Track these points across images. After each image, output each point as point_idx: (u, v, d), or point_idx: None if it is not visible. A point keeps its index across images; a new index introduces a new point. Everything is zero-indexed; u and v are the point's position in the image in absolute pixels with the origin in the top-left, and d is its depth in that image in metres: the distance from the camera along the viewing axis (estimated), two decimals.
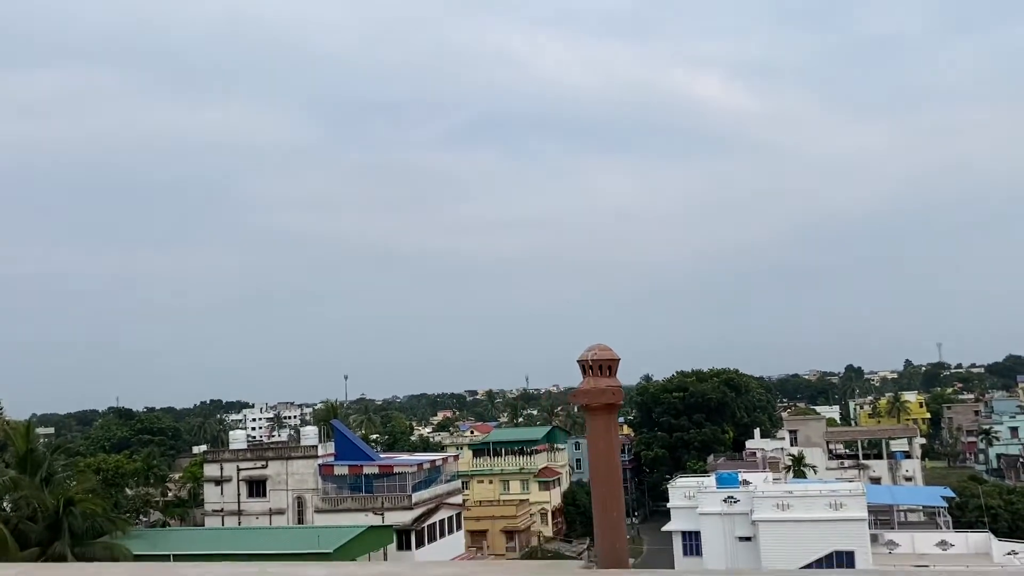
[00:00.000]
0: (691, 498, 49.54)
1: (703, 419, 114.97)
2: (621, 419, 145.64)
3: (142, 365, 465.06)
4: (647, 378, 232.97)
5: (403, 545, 58.76)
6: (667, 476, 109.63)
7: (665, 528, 52.47)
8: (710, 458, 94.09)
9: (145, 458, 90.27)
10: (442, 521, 63.78)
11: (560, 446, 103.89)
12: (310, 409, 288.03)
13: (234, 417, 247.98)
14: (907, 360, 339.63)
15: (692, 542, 49.32)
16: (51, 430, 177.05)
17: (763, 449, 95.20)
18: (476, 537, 76.13)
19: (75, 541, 49.80)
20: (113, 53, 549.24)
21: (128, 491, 74.59)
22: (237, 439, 71.06)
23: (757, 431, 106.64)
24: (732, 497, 46.73)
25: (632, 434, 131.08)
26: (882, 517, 53.85)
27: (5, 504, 54.15)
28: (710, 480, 51.44)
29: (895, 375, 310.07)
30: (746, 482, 49.59)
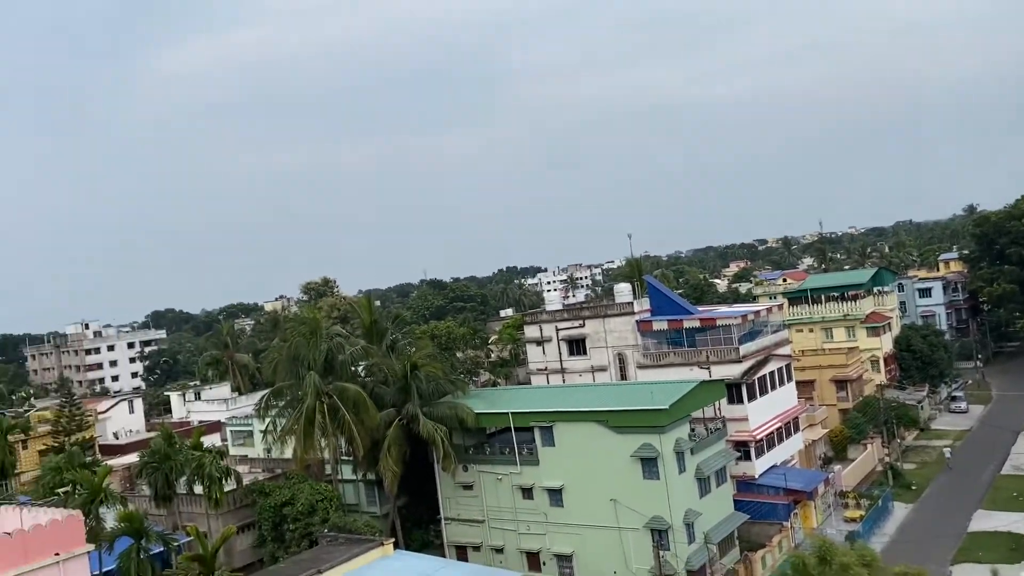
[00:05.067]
0: None
1: None
2: (954, 255, 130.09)
3: (444, 238, 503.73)
4: (971, 209, 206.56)
5: (733, 399, 56.17)
6: (1017, 313, 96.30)
7: None
8: None
9: (465, 323, 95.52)
10: (771, 373, 60.09)
11: (886, 289, 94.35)
12: (598, 269, 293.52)
13: (530, 281, 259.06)
14: None
15: None
16: (378, 303, 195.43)
17: None
18: (803, 388, 71.65)
19: (423, 402, 53.06)
20: None
21: (458, 354, 79.19)
22: (552, 301, 71.87)
23: None
24: None
25: (966, 270, 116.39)
26: None
27: (360, 371, 59.19)
28: None
29: None
30: None
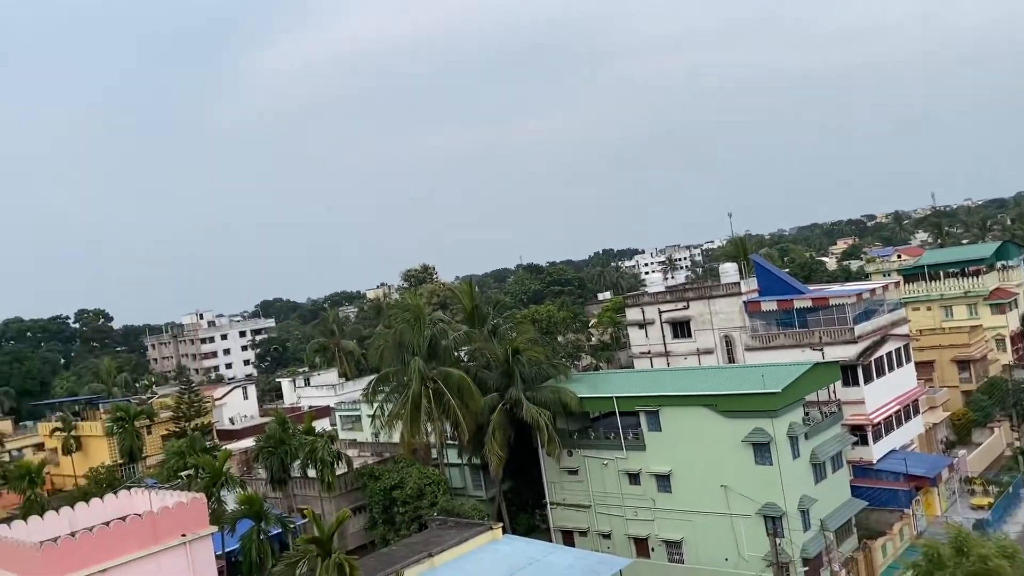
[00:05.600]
0: None
1: None
2: None
3: (538, 223, 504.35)
4: None
5: (849, 381, 53.87)
6: None
7: None
8: None
9: (564, 307, 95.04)
10: (889, 354, 57.31)
11: (1011, 263, 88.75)
12: (697, 250, 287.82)
13: (627, 264, 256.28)
14: None
15: None
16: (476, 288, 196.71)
17: None
18: (922, 369, 68.17)
19: (526, 386, 52.88)
20: None
21: (559, 338, 78.78)
22: (654, 282, 70.64)
23: None
24: None
25: None
26: None
27: (462, 356, 59.55)
28: None
29: None
30: None
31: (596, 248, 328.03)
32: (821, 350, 55.26)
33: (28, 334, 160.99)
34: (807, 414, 48.07)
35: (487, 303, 69.96)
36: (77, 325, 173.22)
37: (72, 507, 34.41)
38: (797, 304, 58.05)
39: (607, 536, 50.98)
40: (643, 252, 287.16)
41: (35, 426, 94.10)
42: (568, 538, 52.61)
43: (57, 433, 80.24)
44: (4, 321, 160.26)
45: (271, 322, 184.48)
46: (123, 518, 30.99)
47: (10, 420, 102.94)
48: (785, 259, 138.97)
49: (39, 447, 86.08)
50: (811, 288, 64.00)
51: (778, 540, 42.04)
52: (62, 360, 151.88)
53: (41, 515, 33.99)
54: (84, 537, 29.32)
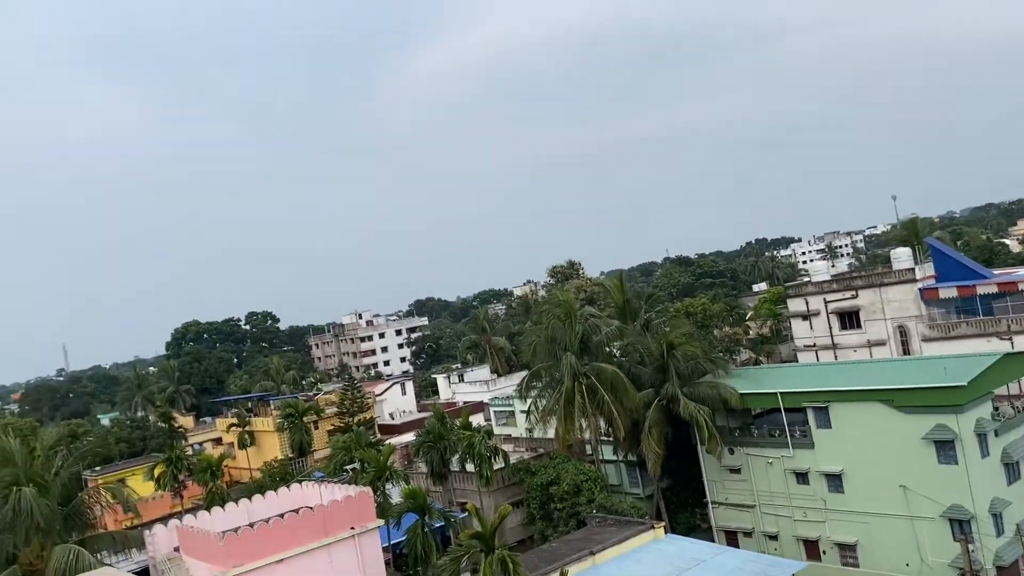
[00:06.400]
0: None
1: None
2: None
3: (686, 215, 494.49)
4: None
5: None
6: None
7: None
8: None
9: (718, 299, 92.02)
10: None
11: None
12: (859, 236, 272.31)
13: (783, 252, 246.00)
14: None
15: None
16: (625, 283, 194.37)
17: None
18: None
19: (682, 382, 51.28)
20: None
21: (715, 332, 76.24)
22: (818, 271, 67.13)
23: None
24: None
25: None
26: None
27: (614, 351, 58.58)
28: None
29: None
30: None
31: (747, 238, 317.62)
32: (1010, 339, 50.69)
33: (205, 336, 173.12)
34: (996, 409, 43.96)
35: (638, 297, 68.51)
36: (248, 327, 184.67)
37: (249, 499, 36.23)
38: (980, 290, 53.50)
39: (774, 537, 48.68)
40: (799, 240, 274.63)
41: (213, 422, 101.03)
42: (731, 538, 50.65)
43: (233, 428, 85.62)
44: (184, 324, 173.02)
45: (424, 320, 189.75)
46: (296, 510, 32.22)
47: (191, 416, 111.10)
48: (959, 243, 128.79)
49: (217, 441, 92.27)
50: (995, 272, 58.81)
51: (970, 546, 38.67)
52: (235, 359, 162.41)
53: (222, 506, 35.99)
54: (262, 529, 30.71)
